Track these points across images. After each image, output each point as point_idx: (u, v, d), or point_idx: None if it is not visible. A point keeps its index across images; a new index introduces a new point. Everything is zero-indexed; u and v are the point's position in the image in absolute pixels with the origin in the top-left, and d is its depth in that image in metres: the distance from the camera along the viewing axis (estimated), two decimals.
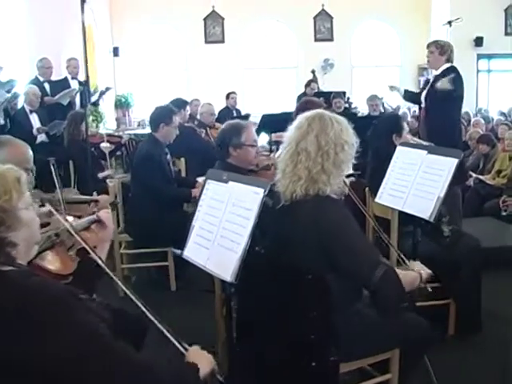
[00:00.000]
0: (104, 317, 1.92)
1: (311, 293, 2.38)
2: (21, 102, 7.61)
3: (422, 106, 6.05)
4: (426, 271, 2.76)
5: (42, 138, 7.41)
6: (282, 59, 16.35)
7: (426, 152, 3.28)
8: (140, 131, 10.66)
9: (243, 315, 2.75)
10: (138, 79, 15.92)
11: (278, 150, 3.87)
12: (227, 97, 10.74)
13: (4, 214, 1.71)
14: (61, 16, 9.86)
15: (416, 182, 3.23)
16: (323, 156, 2.46)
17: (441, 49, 5.79)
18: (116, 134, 8.95)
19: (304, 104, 5.25)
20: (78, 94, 8.28)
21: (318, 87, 10.27)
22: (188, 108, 7.06)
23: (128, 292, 2.14)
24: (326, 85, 13.10)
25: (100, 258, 2.23)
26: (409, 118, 11.66)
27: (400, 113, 11.69)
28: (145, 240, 5.02)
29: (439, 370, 3.44)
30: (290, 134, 2.58)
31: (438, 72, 5.85)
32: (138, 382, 1.74)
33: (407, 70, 16.22)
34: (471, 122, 10.04)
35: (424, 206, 3.10)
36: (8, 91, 7.44)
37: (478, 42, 14.70)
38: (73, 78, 8.51)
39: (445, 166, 3.08)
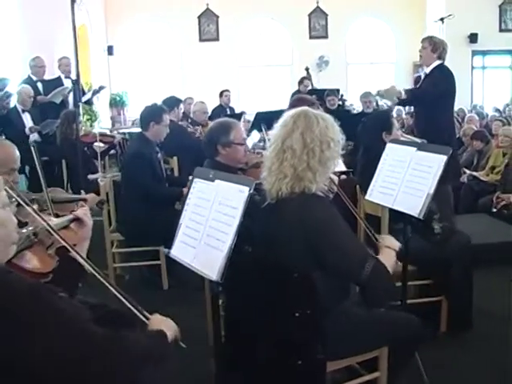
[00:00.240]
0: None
1: (297, 291, 2.37)
2: (13, 102, 7.58)
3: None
4: (396, 243, 2.78)
5: (34, 137, 7.39)
6: (276, 57, 16.38)
7: (415, 149, 3.26)
8: (134, 130, 10.63)
9: (231, 314, 2.75)
10: (133, 78, 15.93)
11: None
12: (220, 95, 10.71)
13: None
14: (53, 15, 9.85)
15: (406, 179, 3.22)
16: (309, 154, 2.45)
17: (434, 45, 5.79)
18: (109, 133, 8.90)
19: (296, 101, 5.24)
20: (72, 93, 8.25)
21: (312, 84, 10.26)
22: (182, 106, 7.03)
23: (96, 273, 2.17)
24: (320, 82, 13.12)
25: (80, 255, 2.22)
26: (403, 115, 11.69)
27: (395, 110, 11.70)
28: (136, 239, 5.01)
29: (430, 368, 3.44)
30: (275, 131, 2.57)
31: (428, 70, 5.87)
32: (124, 359, 1.71)
33: (402, 67, 16.25)
34: (465, 119, 10.03)
35: (413, 203, 3.08)
36: (0, 90, 7.43)
37: (473, 38, 14.74)
38: (66, 77, 8.48)
39: (434, 163, 3.07)
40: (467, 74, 15.16)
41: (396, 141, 3.60)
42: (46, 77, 8.45)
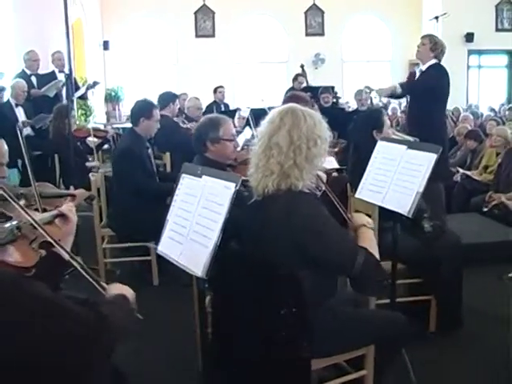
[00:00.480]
0: None
1: (283, 289, 2.37)
2: (6, 96, 7.56)
3: (408, 100, 6.07)
4: (368, 219, 2.81)
5: (27, 131, 7.36)
6: (272, 54, 16.38)
7: (405, 147, 3.25)
8: (128, 125, 10.61)
9: (218, 310, 2.74)
10: (129, 73, 15.92)
11: None
12: (215, 91, 10.68)
13: None
14: (48, 9, 9.80)
15: (395, 178, 3.20)
16: (295, 151, 2.44)
17: (434, 44, 5.82)
18: (102, 128, 8.88)
19: (289, 98, 5.24)
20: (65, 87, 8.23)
21: (307, 81, 10.24)
22: (178, 102, 7.01)
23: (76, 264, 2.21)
24: (316, 79, 13.09)
25: (64, 249, 2.22)
26: (398, 114, 11.68)
27: (390, 108, 11.71)
28: (127, 234, 5.00)
29: (419, 367, 3.44)
30: (262, 128, 2.56)
31: (424, 68, 5.89)
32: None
33: (398, 65, 16.26)
34: (460, 118, 10.03)
35: (403, 202, 3.07)
36: None
37: (469, 37, 14.76)
38: (60, 71, 8.45)
39: (424, 161, 3.06)
40: (463, 73, 15.17)
41: (387, 139, 3.59)
42: (41, 71, 8.43)
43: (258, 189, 2.52)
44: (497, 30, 15.14)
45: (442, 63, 5.92)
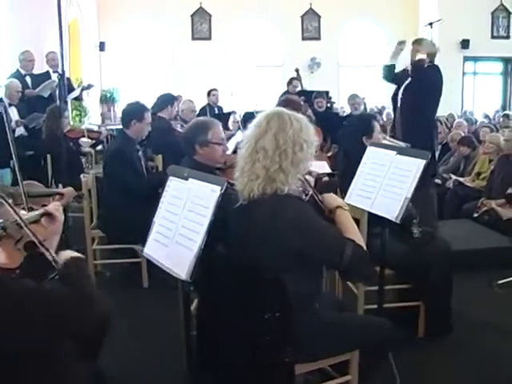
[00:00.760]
0: None
1: (268, 293, 2.36)
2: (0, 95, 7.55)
3: (398, 104, 6.04)
4: (342, 201, 2.81)
5: (20, 131, 7.34)
6: (268, 57, 16.39)
7: (395, 153, 3.25)
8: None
9: (203, 314, 2.74)
10: (124, 74, 15.91)
11: None
12: (208, 94, 10.64)
13: None
14: (43, 9, 9.77)
15: (385, 183, 3.20)
16: (281, 155, 2.43)
17: (427, 49, 5.81)
18: (95, 129, 8.88)
19: (282, 102, 5.24)
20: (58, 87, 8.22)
21: (302, 86, 10.22)
22: (176, 104, 6.98)
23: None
24: (312, 84, 13.08)
25: (48, 251, 2.21)
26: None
27: (384, 113, 11.71)
28: (117, 236, 4.99)
29: (407, 372, 3.44)
30: (249, 131, 2.55)
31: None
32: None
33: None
34: (454, 124, 10.05)
35: (391, 207, 3.07)
36: None
37: (465, 44, 14.81)
38: (54, 72, 8.43)
39: (412, 167, 3.06)
40: (458, 80, 15.22)
41: (376, 144, 3.59)
42: (36, 71, 8.42)
43: (243, 193, 2.51)
44: (492, 37, 15.19)
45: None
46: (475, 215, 6.20)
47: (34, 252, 2.25)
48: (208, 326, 2.68)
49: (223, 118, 8.47)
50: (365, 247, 2.56)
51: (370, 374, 2.84)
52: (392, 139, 5.30)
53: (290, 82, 10.00)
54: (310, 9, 15.87)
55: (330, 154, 7.90)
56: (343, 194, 3.92)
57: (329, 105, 9.58)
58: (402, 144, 5.12)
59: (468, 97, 15.89)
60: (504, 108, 14.99)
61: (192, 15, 15.71)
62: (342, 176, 4.22)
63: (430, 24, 8.20)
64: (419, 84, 5.69)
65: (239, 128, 6.93)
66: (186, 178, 2.51)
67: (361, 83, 15.60)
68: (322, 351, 2.59)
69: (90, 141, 7.57)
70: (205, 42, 15.76)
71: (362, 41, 16.51)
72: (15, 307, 1.79)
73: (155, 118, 6.33)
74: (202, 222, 2.29)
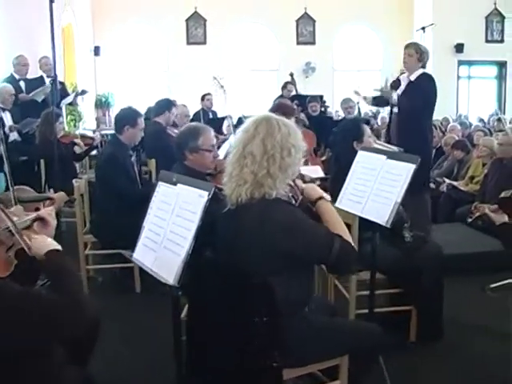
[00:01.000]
0: None
1: (256, 297, 2.36)
2: None
3: (395, 110, 6.05)
4: (322, 192, 2.80)
5: (14, 136, 7.32)
6: (263, 62, 16.40)
7: (385, 157, 3.26)
8: None
9: (192, 318, 2.73)
10: (119, 79, 15.89)
11: None
12: (202, 98, 10.62)
13: None
14: (37, 14, 9.74)
15: (375, 188, 3.20)
16: (269, 160, 2.43)
17: (420, 54, 5.82)
18: (89, 134, 8.87)
19: (276, 107, 5.24)
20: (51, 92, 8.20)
21: (296, 90, 10.22)
22: (174, 110, 6.95)
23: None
24: (307, 88, 13.10)
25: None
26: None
27: (379, 118, 11.71)
28: (109, 241, 4.98)
29: (399, 378, 3.44)
30: (237, 136, 2.55)
31: (413, 78, 5.87)
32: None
33: (389, 75, 16.21)
34: (448, 128, 10.06)
35: (382, 212, 3.08)
36: None
37: (459, 48, 14.85)
38: (48, 77, 8.42)
39: (402, 172, 3.07)
40: (453, 84, 15.26)
41: (367, 148, 3.59)
42: (30, 76, 8.41)
43: (231, 198, 2.51)
44: (486, 41, 15.23)
45: (433, 73, 5.94)
46: (469, 220, 6.20)
47: (25, 259, 2.23)
48: (196, 331, 2.68)
49: (217, 122, 8.47)
50: (350, 239, 2.58)
51: (360, 379, 2.84)
52: (383, 143, 5.31)
53: (284, 87, 10.00)
54: (305, 13, 15.88)
55: (323, 159, 7.90)
56: (334, 199, 3.93)
57: (323, 109, 9.58)
58: (395, 148, 5.13)
59: (463, 101, 15.92)
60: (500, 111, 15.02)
61: (187, 20, 15.71)
62: (333, 181, 4.22)
63: (423, 28, 8.20)
64: (414, 93, 5.73)
65: (231, 133, 6.92)
66: (175, 184, 2.51)
67: (356, 87, 15.59)
68: (312, 356, 2.59)
69: (83, 146, 7.54)
70: (200, 46, 15.76)
71: (356, 45, 16.53)
72: (10, 309, 1.83)
73: (150, 122, 6.33)
74: (190, 228, 2.29)
